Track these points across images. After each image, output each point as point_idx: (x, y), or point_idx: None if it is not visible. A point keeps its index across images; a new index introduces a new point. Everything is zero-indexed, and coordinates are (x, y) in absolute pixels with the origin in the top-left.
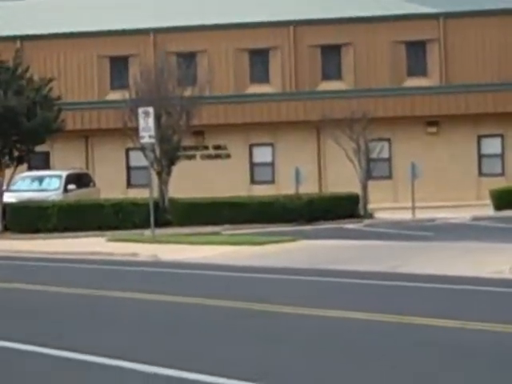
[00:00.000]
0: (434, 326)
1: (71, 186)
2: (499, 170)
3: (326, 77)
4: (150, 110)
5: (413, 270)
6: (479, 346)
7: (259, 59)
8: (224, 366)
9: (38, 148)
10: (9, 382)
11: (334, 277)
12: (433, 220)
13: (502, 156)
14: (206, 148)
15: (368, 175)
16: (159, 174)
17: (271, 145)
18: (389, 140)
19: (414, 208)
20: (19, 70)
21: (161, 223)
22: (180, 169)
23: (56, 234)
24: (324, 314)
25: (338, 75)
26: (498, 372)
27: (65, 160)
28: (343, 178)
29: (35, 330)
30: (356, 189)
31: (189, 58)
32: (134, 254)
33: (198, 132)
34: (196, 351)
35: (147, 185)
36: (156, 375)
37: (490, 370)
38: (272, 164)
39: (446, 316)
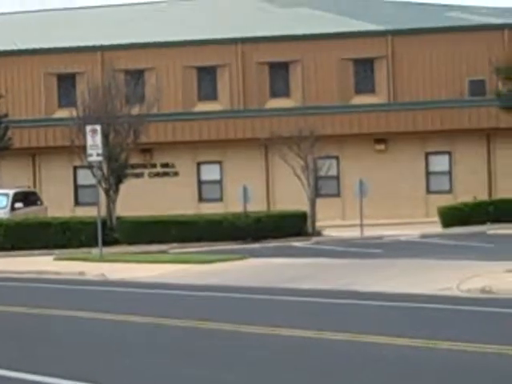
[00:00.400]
0: (381, 344)
1: (18, 205)
2: (447, 187)
3: (274, 94)
4: (98, 127)
5: (361, 288)
6: (425, 363)
7: (207, 76)
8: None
9: None
10: None
11: (281, 295)
12: (381, 237)
13: (449, 173)
14: (154, 166)
15: (316, 193)
16: (107, 192)
17: (219, 162)
18: (337, 157)
19: (362, 225)
20: None
21: (108, 242)
22: (128, 187)
23: (3, 253)
24: (271, 332)
25: (286, 93)
26: None
27: (12, 178)
28: (291, 196)
29: None
30: (304, 206)
31: (137, 75)
32: (82, 273)
33: (146, 150)
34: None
35: (95, 203)
36: None
37: None
38: (220, 182)
39: (394, 334)
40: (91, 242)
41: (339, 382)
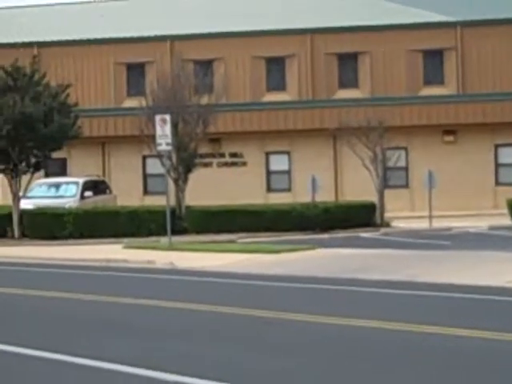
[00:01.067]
0: (451, 335)
1: (88, 193)
2: None
3: (343, 85)
4: (167, 117)
5: (430, 279)
6: (498, 355)
7: (276, 67)
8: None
9: (55, 154)
10: None
11: (350, 285)
12: (450, 229)
13: None
14: (223, 156)
15: (384, 184)
16: (176, 181)
17: (287, 153)
18: (405, 148)
19: (430, 217)
20: (36, 77)
21: (177, 231)
22: (197, 176)
23: (72, 241)
24: (342, 322)
25: (354, 83)
26: None
27: (82, 167)
28: (359, 187)
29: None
30: (372, 197)
31: (206, 65)
32: (150, 262)
33: (215, 139)
34: (203, 356)
35: (164, 192)
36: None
37: None
38: (288, 172)
39: (465, 326)
40: (160, 231)
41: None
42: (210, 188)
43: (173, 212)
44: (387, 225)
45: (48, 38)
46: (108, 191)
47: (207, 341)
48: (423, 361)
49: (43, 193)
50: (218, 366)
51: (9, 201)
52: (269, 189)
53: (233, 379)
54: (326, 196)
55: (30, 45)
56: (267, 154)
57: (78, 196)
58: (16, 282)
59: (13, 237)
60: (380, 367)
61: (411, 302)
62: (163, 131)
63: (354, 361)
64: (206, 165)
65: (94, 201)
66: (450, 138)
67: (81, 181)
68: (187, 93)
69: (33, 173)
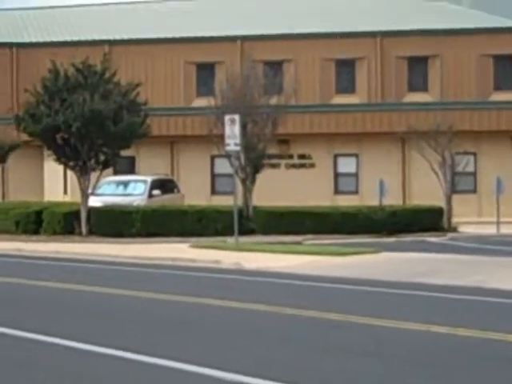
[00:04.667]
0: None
1: (156, 192)
2: None
3: (412, 88)
4: (236, 117)
5: (498, 286)
6: None
7: (345, 69)
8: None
9: (124, 153)
10: None
11: (416, 290)
12: None
13: None
14: (291, 157)
15: (452, 188)
16: (244, 181)
17: (356, 155)
18: (474, 154)
19: (498, 223)
20: (107, 74)
21: (244, 231)
22: (264, 177)
23: (139, 239)
24: (407, 327)
25: (424, 87)
26: None
27: (150, 165)
28: (427, 191)
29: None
30: (440, 202)
31: (275, 66)
32: (217, 261)
33: (283, 141)
34: (274, 359)
35: (231, 192)
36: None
37: None
38: (356, 175)
39: None
40: (227, 231)
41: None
42: (277, 189)
43: (240, 212)
44: (454, 230)
45: (119, 37)
46: (176, 190)
47: (276, 342)
48: (485, 367)
49: (111, 190)
50: (284, 366)
51: (77, 198)
52: (336, 191)
53: (301, 380)
54: (393, 199)
55: (100, 43)
56: (335, 156)
57: (146, 194)
58: (82, 279)
59: (80, 234)
60: (440, 372)
61: (478, 308)
62: (232, 131)
63: (415, 365)
64: (274, 166)
65: (162, 199)
66: None
67: (149, 179)
68: (256, 93)
69: (101, 170)
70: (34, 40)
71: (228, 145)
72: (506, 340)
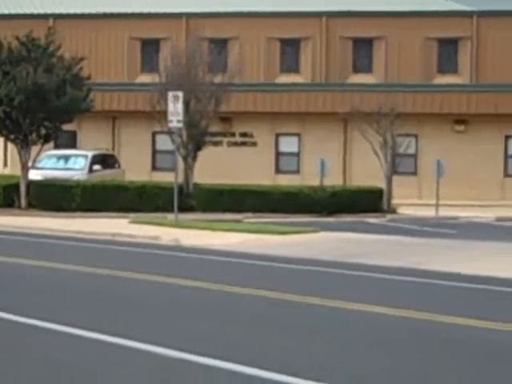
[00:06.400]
0: (454, 324)
1: (96, 167)
2: None
3: (357, 69)
4: (180, 94)
5: (435, 268)
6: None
7: (290, 49)
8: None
9: (66, 127)
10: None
11: (353, 270)
12: (456, 218)
13: None
14: (233, 135)
15: (393, 170)
16: (185, 158)
17: (298, 135)
18: (416, 136)
19: (437, 205)
20: (50, 48)
21: (184, 208)
22: (206, 155)
23: (79, 214)
24: (344, 306)
25: (368, 68)
26: None
27: (91, 140)
28: (368, 172)
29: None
30: (380, 183)
31: (220, 44)
32: (156, 238)
33: (226, 118)
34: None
35: (172, 169)
36: None
37: None
38: (298, 154)
39: (467, 315)
40: (167, 208)
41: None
42: (218, 167)
43: (180, 189)
44: (394, 211)
45: (64, 11)
46: (117, 166)
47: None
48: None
49: (52, 164)
50: (211, 338)
51: (17, 171)
52: (277, 170)
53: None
54: (334, 180)
55: (45, 16)
56: (277, 136)
57: (87, 169)
58: (24, 251)
59: (20, 207)
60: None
61: (412, 289)
62: (175, 108)
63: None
64: (216, 143)
65: (103, 174)
66: (461, 127)
67: (90, 154)
68: (201, 71)
69: (43, 144)
70: None
71: (171, 121)
72: (437, 321)
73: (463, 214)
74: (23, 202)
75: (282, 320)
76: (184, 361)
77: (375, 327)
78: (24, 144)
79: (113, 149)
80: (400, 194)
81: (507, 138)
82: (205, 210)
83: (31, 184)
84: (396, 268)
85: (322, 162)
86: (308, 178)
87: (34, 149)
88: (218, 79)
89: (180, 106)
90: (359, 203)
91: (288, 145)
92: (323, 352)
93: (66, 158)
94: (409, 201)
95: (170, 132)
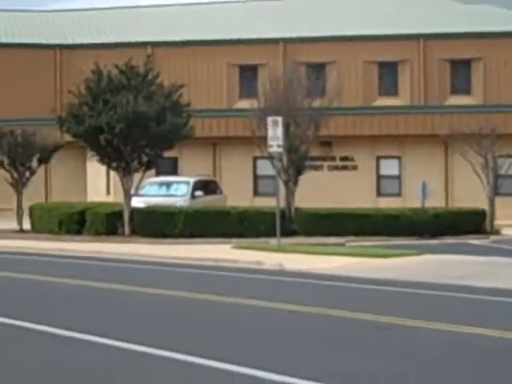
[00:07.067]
0: None
1: (198, 193)
2: None
3: (455, 91)
4: (279, 119)
5: None
6: None
7: (388, 72)
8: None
9: (167, 154)
10: None
11: (460, 292)
12: None
13: None
14: (334, 159)
15: (495, 191)
16: (286, 183)
17: (398, 158)
18: None
19: None
20: (150, 76)
21: (286, 232)
22: (307, 179)
23: (182, 240)
24: (452, 329)
25: (467, 90)
26: None
27: (192, 166)
28: (470, 194)
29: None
30: (483, 204)
31: (318, 68)
32: (259, 263)
33: (326, 143)
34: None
35: (274, 194)
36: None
37: None
38: (399, 177)
39: None
40: (269, 232)
41: None
42: (320, 191)
43: (282, 214)
44: (497, 232)
45: (162, 38)
46: (218, 191)
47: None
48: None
49: (154, 191)
50: (320, 366)
51: (120, 198)
52: (379, 193)
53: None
54: (436, 202)
55: (144, 44)
56: (378, 159)
57: (189, 195)
58: (126, 278)
59: (123, 234)
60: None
61: None
62: (275, 133)
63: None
64: (317, 168)
65: (205, 201)
66: None
67: (192, 180)
68: (299, 95)
69: (144, 171)
70: (77, 42)
71: (271, 146)
72: None
73: None
74: (127, 229)
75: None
76: None
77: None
78: (126, 172)
79: (214, 175)
80: (503, 214)
81: None
82: (307, 234)
83: (134, 211)
84: (504, 290)
85: (423, 184)
86: (409, 200)
87: (136, 176)
88: (316, 103)
89: (280, 131)
90: (462, 225)
91: (388, 168)
92: None
93: (168, 184)
94: None
95: (270, 157)
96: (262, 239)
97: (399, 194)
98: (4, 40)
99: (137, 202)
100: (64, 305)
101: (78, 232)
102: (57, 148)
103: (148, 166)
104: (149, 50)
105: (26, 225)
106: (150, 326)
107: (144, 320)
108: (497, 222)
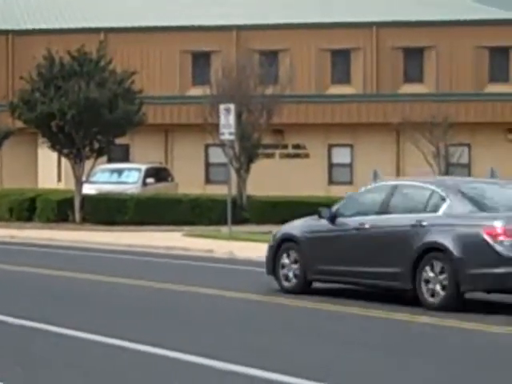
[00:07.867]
0: None
1: (150, 180)
2: None
3: (408, 79)
4: (232, 106)
5: None
6: None
7: (341, 60)
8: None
9: (118, 141)
10: None
11: None
12: None
13: None
14: (286, 147)
15: None
16: (238, 171)
17: (350, 146)
18: (469, 145)
19: None
20: (102, 62)
21: (238, 220)
22: (259, 167)
23: (133, 227)
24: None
25: (419, 78)
26: None
27: (144, 154)
28: None
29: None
30: None
31: (271, 56)
32: (210, 251)
33: (278, 130)
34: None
35: (225, 181)
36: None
37: None
38: (350, 165)
39: None
40: (220, 220)
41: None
42: (271, 179)
43: (234, 201)
44: None
45: (115, 24)
46: (170, 179)
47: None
48: None
49: (105, 178)
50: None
51: (71, 185)
52: (330, 181)
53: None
54: None
55: (96, 30)
56: (330, 147)
57: (140, 182)
58: (75, 266)
59: (74, 221)
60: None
61: None
62: (227, 121)
63: None
64: (269, 155)
65: (156, 188)
66: None
67: (143, 167)
68: (252, 83)
69: (96, 158)
70: (29, 27)
71: (223, 134)
72: None
73: None
74: (77, 216)
75: None
76: None
77: None
78: (77, 158)
79: (165, 162)
80: None
81: None
82: (258, 222)
83: (85, 198)
84: None
85: (374, 173)
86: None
87: (88, 163)
88: (269, 91)
89: (232, 119)
90: None
91: (340, 156)
92: None
93: (120, 171)
94: None
95: (222, 144)
96: (213, 227)
97: (351, 183)
98: None
99: (88, 189)
100: None
101: (29, 219)
102: (8, 134)
103: (100, 153)
104: (101, 36)
105: None
106: (73, 310)
107: (70, 305)
108: None
